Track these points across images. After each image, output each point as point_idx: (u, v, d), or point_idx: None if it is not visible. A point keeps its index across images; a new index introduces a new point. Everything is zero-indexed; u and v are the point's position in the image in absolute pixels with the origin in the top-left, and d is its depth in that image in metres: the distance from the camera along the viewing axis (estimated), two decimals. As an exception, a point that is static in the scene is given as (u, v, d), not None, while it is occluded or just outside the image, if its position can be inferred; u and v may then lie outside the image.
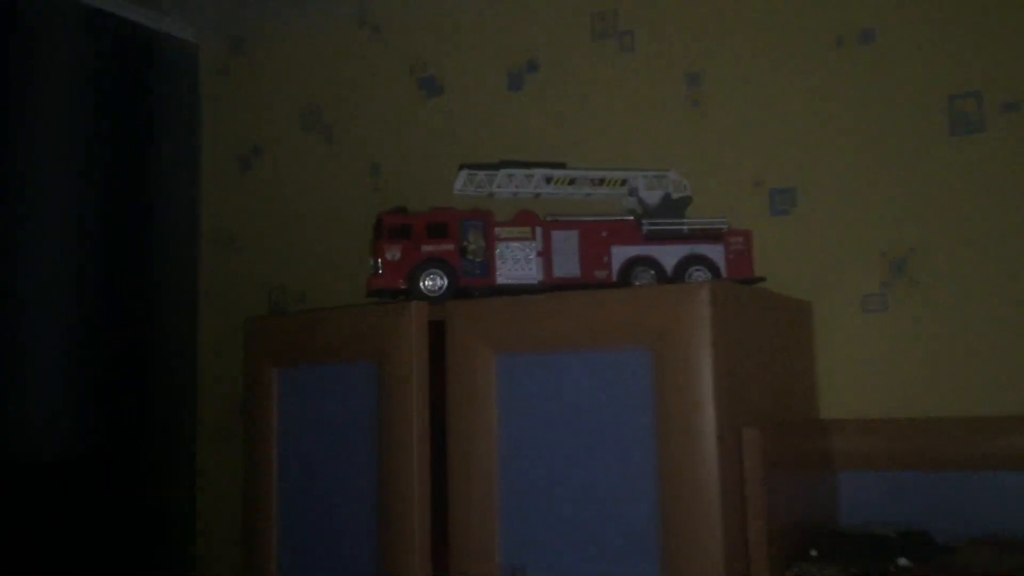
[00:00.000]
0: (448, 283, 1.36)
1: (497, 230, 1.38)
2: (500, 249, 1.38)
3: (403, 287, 1.36)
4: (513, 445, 1.23)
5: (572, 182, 1.44)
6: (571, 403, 1.20)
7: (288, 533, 1.43)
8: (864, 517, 1.38)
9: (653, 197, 1.45)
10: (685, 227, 1.42)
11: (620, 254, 1.40)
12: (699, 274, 1.40)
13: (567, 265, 1.39)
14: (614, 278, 1.39)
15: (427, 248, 1.37)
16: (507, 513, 1.22)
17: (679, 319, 1.13)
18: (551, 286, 1.38)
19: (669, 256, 1.40)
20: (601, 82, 1.71)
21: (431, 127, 1.87)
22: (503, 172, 1.42)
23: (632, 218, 1.42)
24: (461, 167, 1.43)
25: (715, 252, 1.41)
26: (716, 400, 1.10)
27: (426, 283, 1.36)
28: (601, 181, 1.45)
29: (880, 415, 1.42)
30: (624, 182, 1.45)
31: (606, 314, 1.18)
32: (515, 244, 1.39)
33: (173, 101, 2.12)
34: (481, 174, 1.42)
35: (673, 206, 1.45)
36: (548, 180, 1.43)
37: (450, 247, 1.37)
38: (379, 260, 1.36)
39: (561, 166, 1.45)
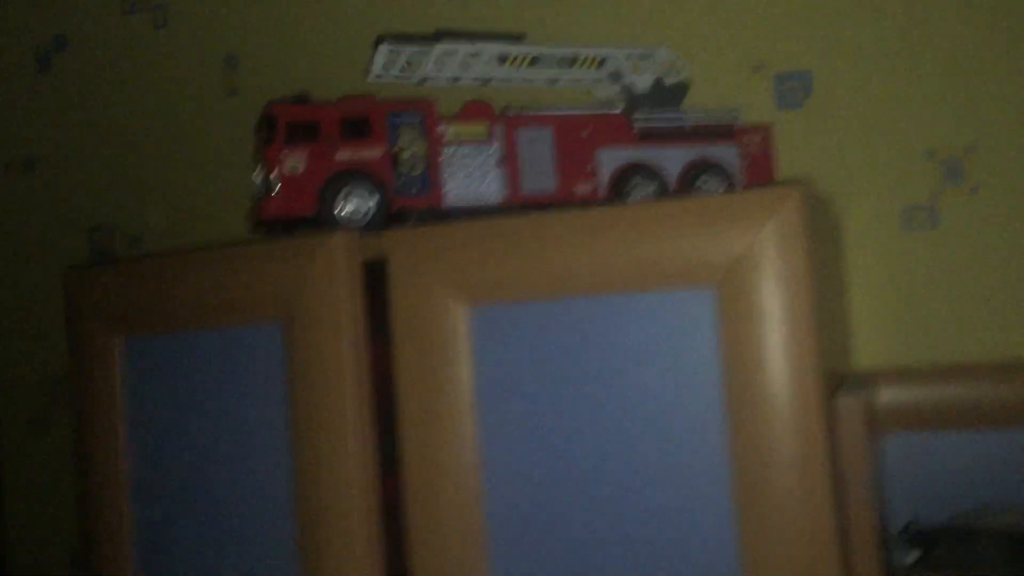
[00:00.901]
0: (377, 205, 0.95)
1: (441, 128, 0.98)
2: (446, 155, 0.98)
3: (311, 214, 0.93)
4: (500, 436, 0.85)
5: (534, 62, 1.04)
6: (591, 369, 0.82)
7: (147, 552, 1.00)
8: (912, 491, 1.09)
9: (641, 82, 1.08)
10: (688, 122, 1.06)
11: (608, 159, 1.02)
12: (712, 184, 1.05)
13: (539, 177, 1.00)
14: (602, 192, 1.02)
15: (343, 155, 0.94)
16: (499, 535, 0.84)
17: (757, 244, 0.77)
18: (518, 206, 0.99)
19: (671, 161, 1.04)
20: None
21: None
22: (440, 48, 1.00)
23: (620, 111, 1.05)
24: (379, 40, 1.00)
25: (727, 155, 1.06)
26: (807, 353, 0.76)
27: (346, 206, 0.94)
28: (572, 61, 1.06)
29: (926, 362, 1.12)
30: (602, 62, 1.07)
31: (641, 239, 0.81)
32: (466, 148, 0.98)
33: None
34: (408, 50, 1.00)
35: (666, 94, 1.08)
36: (502, 60, 1.03)
37: (376, 152, 0.95)
38: (271, 174, 0.93)
39: (518, 39, 1.05)
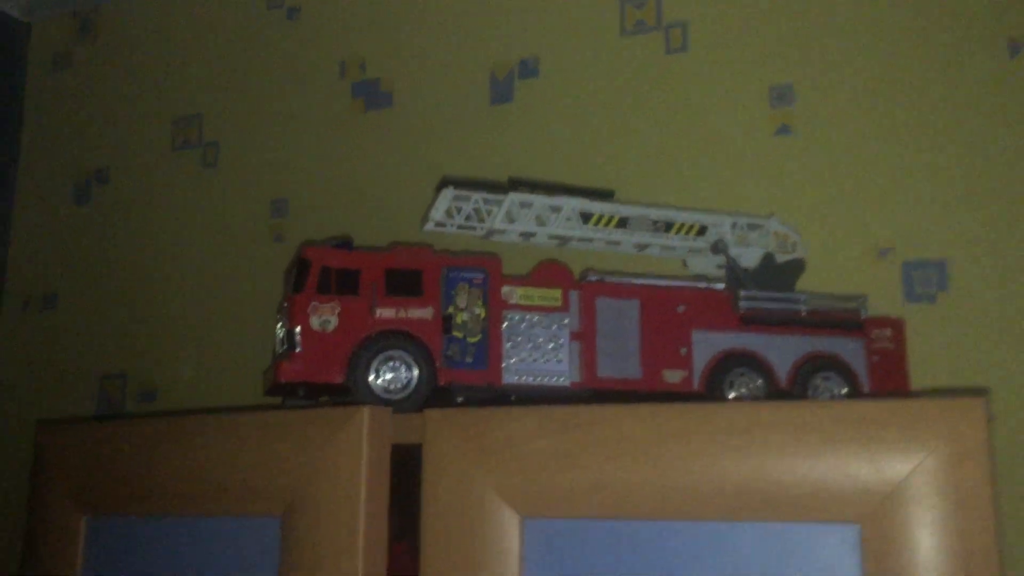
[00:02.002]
0: (420, 377, 0.77)
1: (505, 290, 0.81)
2: (509, 322, 0.80)
3: (338, 380, 0.75)
4: None
5: (623, 223, 0.88)
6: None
7: None
8: None
9: (749, 257, 0.90)
10: (804, 307, 0.88)
11: (705, 344, 0.84)
12: (828, 384, 0.86)
13: (620, 358, 0.82)
14: (696, 384, 0.83)
15: (385, 312, 0.77)
16: None
17: (922, 470, 0.56)
18: (592, 392, 0.81)
19: (780, 352, 0.85)
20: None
21: (366, 143, 1.27)
22: (515, 198, 0.84)
23: (722, 286, 0.87)
24: (443, 184, 0.85)
25: (851, 349, 0.87)
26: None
27: (383, 375, 0.76)
28: (668, 226, 0.89)
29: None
30: (703, 230, 0.90)
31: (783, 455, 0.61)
32: (535, 316, 0.81)
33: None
34: (476, 197, 0.84)
35: (777, 273, 0.90)
36: (586, 217, 0.87)
37: (426, 313, 0.78)
38: (296, 329, 0.76)
39: (606, 196, 0.89)
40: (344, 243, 0.79)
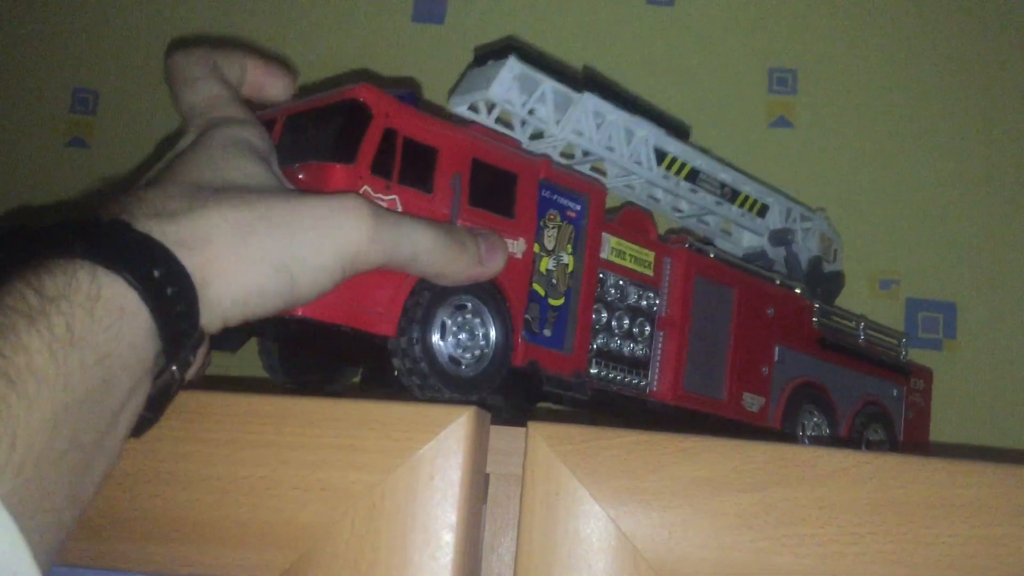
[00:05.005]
0: (495, 347, 0.46)
1: (606, 236, 0.52)
2: (601, 286, 0.52)
3: (388, 333, 0.42)
4: None
5: (693, 176, 0.63)
6: None
7: None
8: None
9: (804, 254, 0.70)
10: (863, 335, 0.70)
11: (783, 366, 0.62)
12: (880, 436, 0.68)
13: (707, 368, 0.57)
14: (771, 418, 0.61)
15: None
16: None
17: None
18: (665, 410, 0.55)
19: (843, 390, 0.66)
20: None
21: None
22: (588, 102, 0.56)
23: (800, 291, 0.65)
24: (502, 50, 0.53)
25: (893, 397, 0.71)
26: None
27: (450, 334, 0.44)
28: (735, 194, 0.66)
29: None
30: (764, 210, 0.68)
31: None
32: (625, 283, 0.53)
33: None
34: (547, 88, 0.54)
35: (824, 286, 0.71)
36: (660, 156, 0.61)
37: (516, 247, 0.47)
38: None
39: (684, 132, 0.63)
40: (408, 94, 0.45)
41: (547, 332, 0.48)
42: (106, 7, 0.94)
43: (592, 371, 0.51)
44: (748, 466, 0.40)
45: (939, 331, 0.83)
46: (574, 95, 0.55)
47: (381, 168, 0.42)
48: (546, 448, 0.41)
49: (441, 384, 0.43)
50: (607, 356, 0.52)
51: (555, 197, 0.49)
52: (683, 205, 0.64)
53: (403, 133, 0.43)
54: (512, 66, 0.52)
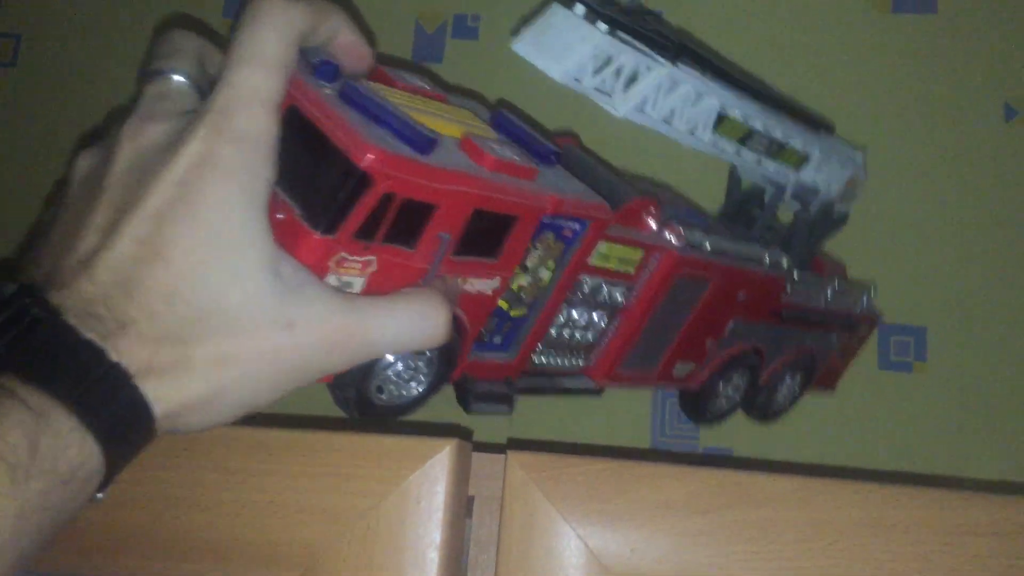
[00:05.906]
0: (432, 364, 0.46)
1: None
2: (576, 293, 0.54)
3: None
4: None
5: (746, 139, 0.63)
6: None
7: None
8: None
9: (823, 195, 0.71)
10: (829, 295, 0.72)
11: (735, 336, 0.65)
12: (792, 382, 0.73)
13: (648, 352, 0.59)
14: (695, 381, 0.64)
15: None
16: None
17: None
18: (599, 389, 0.58)
19: (781, 346, 0.69)
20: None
21: None
22: (676, 73, 0.53)
23: (782, 271, 0.67)
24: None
25: (826, 345, 0.74)
26: None
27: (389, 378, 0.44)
28: (781, 148, 0.66)
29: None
30: (803, 160, 0.68)
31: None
32: (600, 283, 0.55)
33: None
34: (626, 49, 0.51)
35: (820, 229, 0.73)
36: (720, 118, 0.59)
37: (487, 285, 0.47)
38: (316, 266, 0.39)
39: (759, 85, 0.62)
40: (323, 64, 0.40)
41: (497, 339, 0.50)
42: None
43: (534, 360, 0.52)
44: (703, 490, 0.45)
45: (910, 354, 0.86)
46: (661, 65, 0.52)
47: (366, 232, 0.39)
48: (522, 474, 0.45)
49: (359, 415, 0.44)
50: (555, 344, 0.53)
51: (556, 220, 0.47)
52: (720, 156, 0.61)
53: (402, 196, 0.39)
54: (596, 33, 0.48)
